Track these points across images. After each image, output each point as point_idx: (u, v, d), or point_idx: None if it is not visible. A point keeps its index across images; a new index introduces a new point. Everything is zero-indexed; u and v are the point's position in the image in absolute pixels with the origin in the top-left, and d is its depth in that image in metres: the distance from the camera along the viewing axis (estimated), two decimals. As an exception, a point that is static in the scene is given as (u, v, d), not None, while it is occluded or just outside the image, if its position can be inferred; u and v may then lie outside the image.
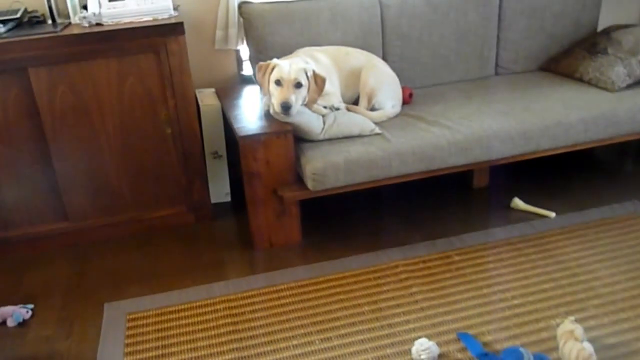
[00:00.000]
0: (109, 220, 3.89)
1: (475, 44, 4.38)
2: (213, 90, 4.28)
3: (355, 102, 3.90)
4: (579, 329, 2.64)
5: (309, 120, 3.55)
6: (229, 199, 4.28)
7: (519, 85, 4.24)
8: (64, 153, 3.64)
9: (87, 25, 3.57)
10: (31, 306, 3.31)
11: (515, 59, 4.54)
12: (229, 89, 4.27)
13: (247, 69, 4.41)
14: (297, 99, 3.48)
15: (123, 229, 3.93)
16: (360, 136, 3.57)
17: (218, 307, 3.18)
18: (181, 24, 3.53)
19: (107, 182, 3.78)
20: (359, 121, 3.62)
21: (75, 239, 3.88)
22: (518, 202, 3.91)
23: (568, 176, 4.35)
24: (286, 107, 3.44)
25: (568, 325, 2.68)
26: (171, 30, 3.52)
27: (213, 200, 4.20)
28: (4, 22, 3.59)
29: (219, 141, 4.09)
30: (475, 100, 3.98)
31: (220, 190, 4.25)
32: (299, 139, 3.56)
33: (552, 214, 3.80)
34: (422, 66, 4.34)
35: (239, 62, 4.43)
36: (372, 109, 3.82)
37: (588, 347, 2.56)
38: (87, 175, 3.73)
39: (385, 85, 3.86)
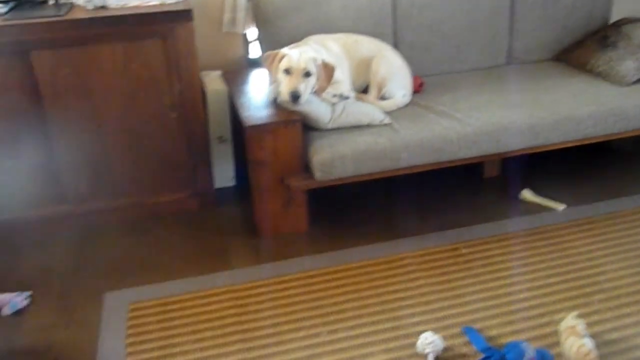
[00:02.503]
0: (110, 204, 3.97)
1: (487, 32, 4.46)
2: (219, 73, 4.33)
3: (365, 91, 3.99)
4: (580, 325, 2.76)
5: (318, 109, 3.65)
6: (233, 183, 4.35)
7: (530, 76, 4.33)
8: (65, 136, 3.72)
9: (91, 8, 3.63)
10: (28, 293, 3.34)
11: (527, 49, 4.62)
12: (235, 72, 4.34)
13: (254, 52, 4.50)
14: (306, 88, 3.57)
15: (124, 213, 4.01)
16: (369, 126, 3.68)
17: (223, 297, 3.27)
18: (190, 10, 3.61)
19: (109, 166, 3.86)
20: (369, 110, 3.73)
21: (74, 224, 3.94)
22: (527, 194, 4.02)
23: (580, 167, 4.43)
24: (295, 97, 3.53)
25: (570, 320, 2.80)
26: (179, 16, 3.60)
27: (217, 184, 4.25)
28: (5, 2, 3.66)
29: (225, 125, 4.17)
30: (486, 91, 4.07)
31: (224, 175, 4.32)
32: (307, 127, 3.65)
33: (562, 207, 3.90)
34: (434, 55, 4.42)
35: (246, 44, 4.50)
36: (382, 98, 3.92)
37: (588, 343, 2.68)
38: (88, 158, 3.81)
39: (395, 75, 3.96)
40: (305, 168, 3.65)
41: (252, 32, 4.40)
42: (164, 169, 3.99)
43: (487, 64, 4.57)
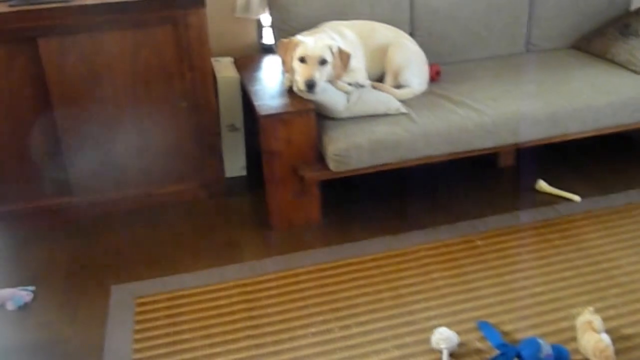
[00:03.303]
0: (117, 195, 3.96)
1: (506, 20, 4.42)
2: (231, 59, 4.32)
3: (381, 79, 3.96)
4: (597, 320, 2.75)
5: (333, 98, 3.63)
6: (244, 173, 4.33)
7: (549, 64, 4.30)
8: (72, 125, 3.72)
9: (100, -8, 3.61)
10: (32, 288, 3.33)
11: (546, 36, 4.58)
12: (248, 58, 4.33)
13: (268, 38, 4.49)
14: (321, 76, 3.55)
15: (132, 204, 4.00)
16: (385, 115, 3.66)
17: (232, 291, 3.27)
18: (202, -3, 3.59)
19: (116, 156, 3.86)
20: (384, 99, 3.71)
21: (79, 215, 3.93)
22: (543, 185, 4.00)
23: (597, 158, 4.41)
24: (311, 85, 3.51)
25: (587, 316, 2.78)
26: (191, 2, 3.58)
27: (228, 174, 4.24)
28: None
29: (236, 114, 4.16)
30: (504, 80, 4.05)
31: (235, 164, 4.30)
32: (322, 116, 3.64)
33: (577, 198, 3.89)
34: (451, 42, 4.39)
35: (260, 30, 4.48)
36: (398, 87, 3.89)
37: (606, 338, 2.68)
38: (94, 147, 3.80)
39: (412, 63, 3.92)
40: (319, 158, 3.64)
41: (265, 18, 4.37)
42: (173, 158, 3.98)
43: (505, 51, 4.53)
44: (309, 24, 4.01)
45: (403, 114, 3.69)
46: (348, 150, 3.50)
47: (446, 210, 3.90)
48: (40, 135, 3.74)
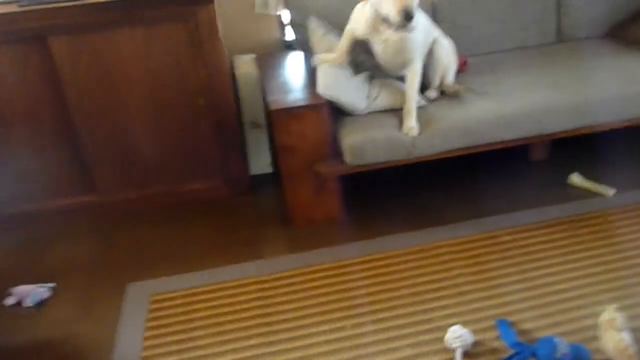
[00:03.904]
0: (139, 193, 3.99)
1: (534, 8, 4.29)
2: (253, 56, 4.29)
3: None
4: (619, 318, 2.64)
5: (354, 98, 3.57)
6: (270, 170, 4.29)
7: (580, 54, 4.16)
8: (89, 123, 3.73)
9: (112, -10, 3.61)
10: (52, 284, 3.39)
11: (578, 25, 4.42)
12: (269, 55, 4.28)
13: (290, 35, 4.46)
14: (418, 4, 3.30)
15: (154, 203, 4.01)
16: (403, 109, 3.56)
17: (249, 288, 3.24)
18: (210, -8, 3.55)
19: (137, 154, 3.87)
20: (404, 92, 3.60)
21: (102, 214, 3.97)
22: (575, 178, 3.88)
23: (635, 150, 4.29)
24: (409, 15, 3.19)
25: (609, 313, 2.68)
26: (200, -1, 3.55)
27: (253, 171, 4.25)
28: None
29: (258, 110, 4.11)
30: (531, 70, 3.93)
31: (260, 162, 4.27)
32: (339, 110, 3.58)
33: (612, 191, 3.76)
34: (477, 33, 4.28)
35: (282, 27, 4.43)
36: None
37: (627, 337, 2.57)
38: (115, 146, 3.82)
39: (453, 62, 3.81)
40: (337, 153, 3.57)
41: (286, 14, 4.31)
42: (194, 156, 3.97)
43: (535, 41, 4.39)
44: (327, 18, 3.97)
45: (421, 106, 3.59)
46: (364, 144, 3.42)
47: (472, 205, 3.81)
48: (59, 134, 3.77)
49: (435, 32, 3.78)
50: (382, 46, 3.53)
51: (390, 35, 3.44)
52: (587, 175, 3.93)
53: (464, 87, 3.73)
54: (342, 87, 3.57)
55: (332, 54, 3.70)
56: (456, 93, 3.69)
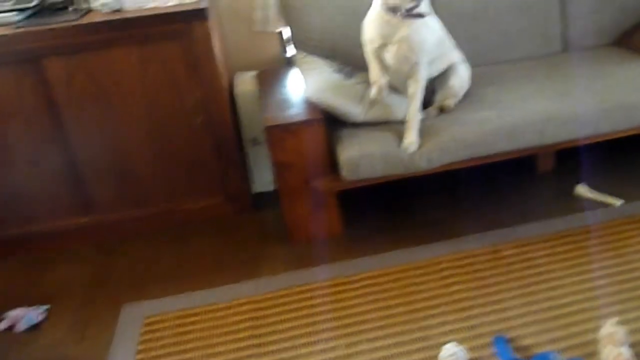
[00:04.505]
0: (138, 213, 3.93)
1: (537, 17, 4.21)
2: (254, 73, 4.25)
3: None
4: (619, 332, 2.55)
5: (344, 101, 3.51)
6: (273, 187, 4.22)
7: (585, 63, 4.07)
8: (86, 143, 3.69)
9: (107, 11, 3.58)
10: (46, 307, 3.34)
11: (583, 34, 4.33)
12: (269, 72, 4.23)
13: (291, 51, 4.41)
14: None
15: (153, 222, 3.96)
16: (401, 122, 3.49)
17: (243, 308, 3.17)
18: (205, 9, 3.50)
19: (135, 173, 3.82)
20: (403, 105, 3.54)
21: (101, 234, 3.92)
22: (582, 189, 3.80)
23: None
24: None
25: (609, 327, 2.60)
26: (194, 15, 3.50)
27: (256, 189, 4.20)
28: (21, 10, 3.64)
29: (258, 127, 4.06)
30: (534, 80, 3.85)
31: (262, 179, 4.23)
32: (336, 124, 3.53)
33: (619, 202, 3.67)
34: (479, 44, 4.20)
35: (283, 43, 4.40)
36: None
37: (626, 352, 2.48)
38: (113, 165, 3.77)
39: (464, 89, 3.73)
40: (334, 169, 3.50)
41: (286, 30, 4.26)
42: (193, 174, 3.92)
43: (540, 52, 4.30)
44: (328, 34, 3.95)
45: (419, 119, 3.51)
46: (360, 158, 3.35)
47: (476, 219, 3.73)
48: (56, 155, 3.72)
49: (455, 56, 3.73)
50: (395, 48, 3.43)
51: (401, 31, 3.37)
52: (595, 186, 3.84)
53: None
54: (332, 90, 3.53)
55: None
56: (446, 108, 3.65)
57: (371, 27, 3.46)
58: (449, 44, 3.71)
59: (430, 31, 3.45)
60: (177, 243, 3.84)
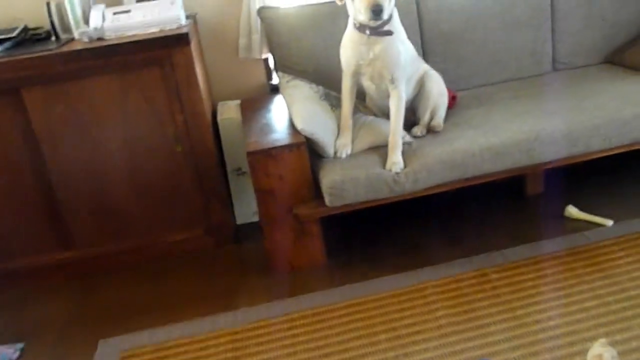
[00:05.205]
0: (118, 247, 3.85)
1: (526, 37, 4.17)
2: (238, 102, 4.21)
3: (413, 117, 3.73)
4: (607, 353, 2.46)
5: (330, 137, 3.47)
6: (257, 218, 4.14)
7: (576, 81, 4.02)
8: (65, 176, 3.64)
9: (87, 40, 3.56)
10: (21, 345, 3.26)
11: (574, 52, 4.29)
12: (254, 100, 4.20)
13: (275, 78, 4.36)
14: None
15: (133, 256, 3.89)
16: (385, 145, 3.43)
17: (222, 340, 3.09)
18: (186, 34, 3.46)
19: (115, 206, 3.75)
20: (387, 130, 3.47)
21: (81, 269, 3.85)
22: (572, 210, 3.71)
23: (637, 178, 4.11)
24: (377, 10, 3.15)
25: (597, 348, 2.50)
26: (175, 41, 3.47)
27: (239, 221, 4.14)
28: (2, 40, 3.63)
29: (242, 157, 4.00)
30: (524, 100, 3.80)
31: (245, 210, 4.17)
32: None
33: (609, 222, 3.59)
34: (468, 65, 4.16)
35: (268, 71, 4.37)
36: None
37: (615, 373, 2.39)
38: (92, 199, 3.72)
39: (445, 96, 3.70)
40: (317, 195, 3.43)
41: (271, 57, 4.24)
42: (174, 206, 3.84)
43: (529, 72, 4.26)
44: (312, 59, 3.94)
45: (407, 143, 3.47)
46: (343, 183, 3.29)
47: (463, 243, 3.66)
48: (34, 188, 3.67)
49: (425, 66, 3.71)
50: (370, 69, 3.42)
51: (373, 50, 3.34)
52: (585, 206, 3.76)
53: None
54: (317, 120, 3.46)
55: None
56: (434, 128, 3.60)
57: (347, 48, 3.44)
58: (418, 57, 3.72)
59: (402, 46, 3.41)
60: (157, 277, 3.77)
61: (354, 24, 3.36)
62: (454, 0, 4.07)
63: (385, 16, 3.23)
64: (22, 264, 3.80)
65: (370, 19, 3.21)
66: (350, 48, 3.41)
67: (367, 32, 3.30)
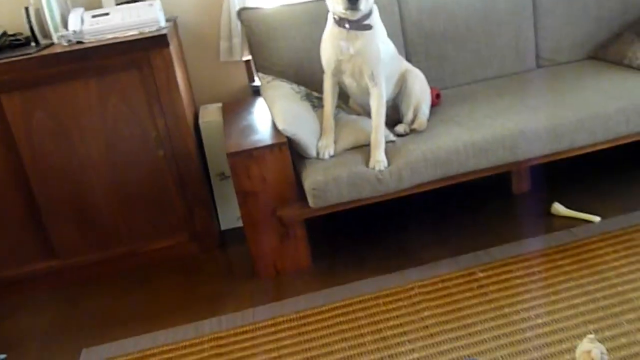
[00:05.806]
0: (101, 255, 3.79)
1: (509, 34, 4.15)
2: (220, 105, 4.17)
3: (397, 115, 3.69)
4: (596, 349, 2.41)
5: (311, 137, 3.42)
6: (241, 224, 4.04)
7: (560, 77, 3.99)
8: (46, 184, 3.58)
9: (66, 44, 3.51)
10: (3, 356, 3.21)
11: (557, 49, 4.26)
12: (236, 102, 4.16)
13: (257, 80, 4.31)
14: None
15: (117, 264, 3.83)
16: (369, 144, 3.39)
17: (205, 346, 3.04)
18: (164, 36, 3.42)
19: (98, 214, 3.70)
20: (368, 129, 3.43)
21: (65, 279, 3.79)
22: (558, 208, 3.67)
23: (619, 173, 4.08)
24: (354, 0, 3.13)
25: (585, 344, 2.46)
26: (153, 43, 3.42)
27: (223, 226, 4.10)
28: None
29: (225, 161, 3.94)
30: (507, 97, 3.76)
31: (229, 215, 4.12)
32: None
33: (597, 219, 3.55)
34: (451, 64, 4.13)
35: (250, 73, 4.33)
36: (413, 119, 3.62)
37: (603, 369, 2.35)
38: (73, 206, 3.66)
39: (427, 93, 3.66)
40: (301, 196, 3.38)
41: (252, 60, 4.17)
42: (157, 212, 3.79)
43: (513, 69, 4.24)
44: (293, 59, 3.90)
45: (390, 141, 3.43)
46: (326, 184, 3.24)
47: (449, 243, 3.62)
48: (15, 197, 3.61)
49: (405, 64, 3.69)
50: (350, 65, 3.38)
51: (354, 45, 3.31)
52: (572, 203, 3.74)
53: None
54: (299, 120, 3.40)
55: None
56: (419, 127, 3.55)
57: (327, 43, 3.41)
58: (399, 56, 3.67)
59: (382, 42, 3.38)
60: (141, 284, 3.71)
61: (334, 18, 3.32)
62: (436, -2, 4.04)
63: (361, 7, 3.18)
64: (4, 274, 3.74)
65: (346, 9, 3.16)
66: (330, 43, 3.37)
67: (347, 25, 3.27)
